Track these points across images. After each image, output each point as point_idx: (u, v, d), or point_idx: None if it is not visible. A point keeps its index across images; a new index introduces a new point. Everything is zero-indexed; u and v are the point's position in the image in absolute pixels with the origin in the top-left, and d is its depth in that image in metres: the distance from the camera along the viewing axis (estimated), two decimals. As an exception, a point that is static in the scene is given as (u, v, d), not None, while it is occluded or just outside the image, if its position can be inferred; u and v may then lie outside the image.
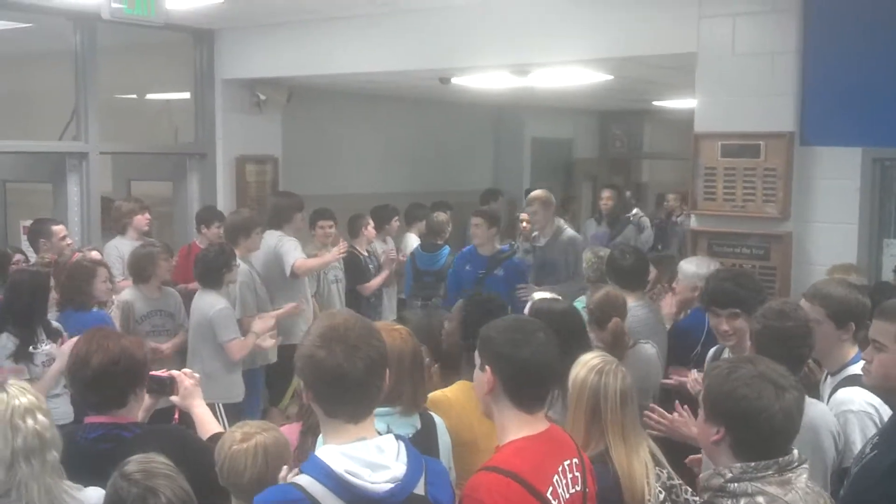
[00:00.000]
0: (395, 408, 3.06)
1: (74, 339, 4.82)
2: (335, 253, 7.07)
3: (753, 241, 5.69)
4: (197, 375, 3.51)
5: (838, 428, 3.34)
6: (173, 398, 3.41)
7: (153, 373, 3.36)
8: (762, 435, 2.39)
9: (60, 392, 4.99)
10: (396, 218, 8.66)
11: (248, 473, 2.81)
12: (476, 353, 2.71)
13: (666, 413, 3.61)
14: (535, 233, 7.55)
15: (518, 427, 2.59)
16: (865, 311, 3.61)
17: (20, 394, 2.68)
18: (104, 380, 3.08)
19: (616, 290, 4.72)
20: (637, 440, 3.13)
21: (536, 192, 7.53)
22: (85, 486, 2.77)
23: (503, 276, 7.09)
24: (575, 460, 2.67)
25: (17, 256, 6.36)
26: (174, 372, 3.46)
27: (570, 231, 7.38)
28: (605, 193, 9.91)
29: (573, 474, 2.63)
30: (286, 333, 6.48)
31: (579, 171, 13.65)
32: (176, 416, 3.56)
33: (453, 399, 3.46)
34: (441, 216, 8.25)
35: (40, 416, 2.66)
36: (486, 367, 2.62)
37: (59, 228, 6.53)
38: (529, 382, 2.61)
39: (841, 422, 3.36)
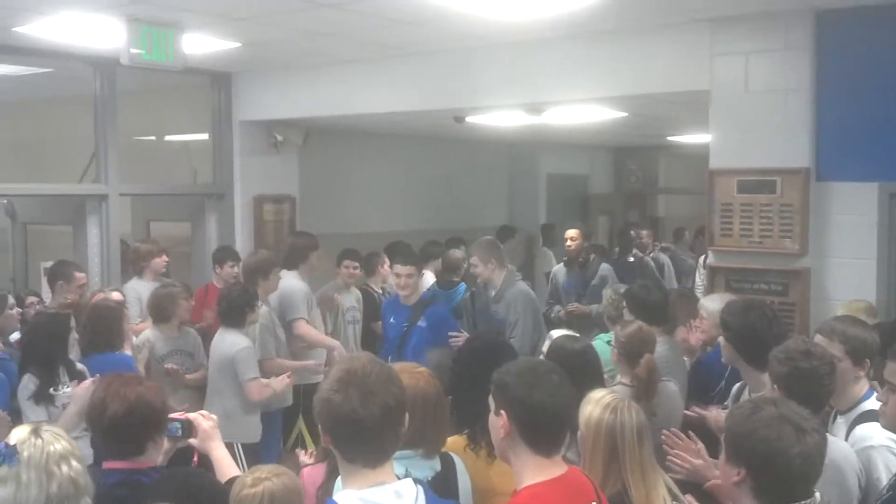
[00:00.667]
0: (416, 451, 3.03)
1: (88, 381, 4.87)
2: (333, 349, 6.74)
3: (772, 277, 5.67)
4: (215, 417, 3.49)
5: (860, 466, 3.31)
6: (192, 441, 3.40)
7: (170, 415, 3.35)
8: (781, 477, 2.37)
9: (80, 434, 5.00)
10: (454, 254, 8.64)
11: None
12: (490, 398, 2.69)
13: (690, 459, 3.55)
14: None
15: (535, 471, 2.57)
16: (877, 349, 3.60)
17: (55, 440, 2.68)
18: (121, 428, 3.08)
19: (646, 326, 4.68)
20: (655, 476, 3.10)
21: (477, 242, 6.75)
22: None
23: (426, 327, 6.37)
24: (594, 503, 2.65)
25: (31, 298, 6.41)
26: (190, 415, 3.44)
27: (516, 287, 6.49)
28: (571, 233, 8.49)
29: None
30: (298, 374, 6.49)
31: (595, 207, 13.67)
32: (195, 458, 3.54)
33: (460, 443, 3.40)
34: (457, 253, 8.26)
35: (74, 463, 2.65)
36: (502, 412, 2.60)
37: (80, 276, 6.57)
38: (546, 426, 2.59)
39: (863, 459, 3.33)
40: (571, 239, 8.43)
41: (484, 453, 3.23)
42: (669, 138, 11.73)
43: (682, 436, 3.58)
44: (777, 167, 5.62)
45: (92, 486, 2.73)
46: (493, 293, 6.49)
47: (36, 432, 2.67)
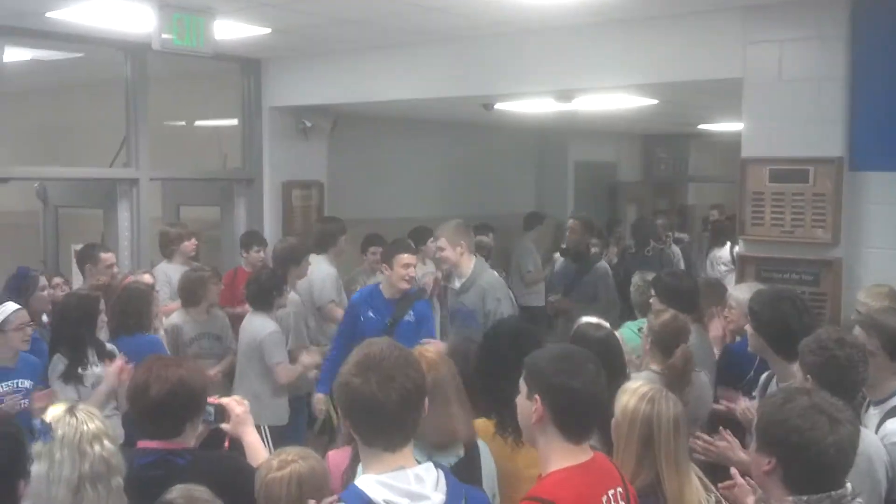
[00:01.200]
0: (433, 443, 3.00)
1: (118, 361, 4.92)
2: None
3: (803, 266, 5.62)
4: (247, 403, 3.52)
5: (889, 458, 3.29)
6: (224, 426, 3.41)
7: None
8: (813, 467, 2.36)
9: (110, 413, 5.05)
10: (432, 239, 8.65)
11: (283, 502, 2.82)
12: (522, 382, 2.69)
13: (714, 440, 3.56)
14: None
15: (563, 457, 2.58)
16: None
17: (88, 419, 2.72)
18: (162, 410, 3.10)
19: (681, 315, 4.65)
20: (687, 468, 3.09)
21: (445, 224, 6.05)
22: None
23: (415, 322, 5.91)
24: (619, 489, 2.64)
25: (56, 280, 6.46)
26: (224, 399, 3.46)
27: (490, 274, 5.94)
28: (570, 223, 8.45)
29: (619, 503, 2.61)
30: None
31: (623, 195, 13.59)
32: (227, 442, 3.56)
33: (486, 427, 3.39)
34: (484, 239, 8.26)
35: (107, 443, 2.69)
36: (536, 397, 2.60)
37: (107, 256, 6.61)
38: (580, 413, 2.60)
39: (892, 453, 3.31)
40: (571, 230, 8.38)
41: (511, 439, 3.23)
42: (700, 126, 11.63)
43: (713, 440, 3.55)
44: (810, 156, 5.56)
45: (124, 466, 2.76)
46: (457, 284, 5.81)
47: (71, 411, 2.70)
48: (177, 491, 2.52)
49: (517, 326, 4.09)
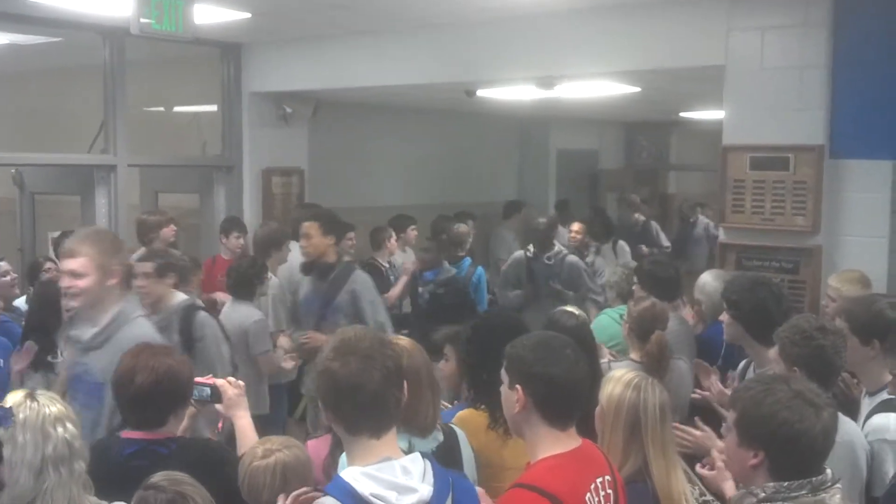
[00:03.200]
0: (413, 430, 3.00)
1: None
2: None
3: (783, 254, 5.64)
4: (242, 384, 3.49)
5: (868, 448, 3.30)
6: (217, 407, 3.40)
7: (197, 379, 3.35)
8: (804, 457, 2.35)
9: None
10: (413, 227, 8.65)
11: (266, 491, 2.81)
12: (503, 371, 2.68)
13: (690, 430, 3.56)
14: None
15: (551, 444, 2.58)
16: (890, 328, 3.57)
17: (49, 403, 2.69)
18: (146, 399, 3.08)
19: (659, 302, 4.66)
20: (674, 456, 3.11)
21: (321, 209, 6.07)
22: (112, 502, 2.76)
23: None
24: (607, 477, 2.64)
25: (49, 264, 6.39)
26: (218, 380, 3.45)
27: (359, 274, 5.83)
28: (576, 227, 8.62)
29: (605, 491, 2.60)
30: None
31: (605, 183, 13.60)
32: (220, 425, 3.54)
33: (481, 420, 3.40)
34: (462, 227, 8.23)
35: (69, 426, 2.66)
36: (517, 387, 2.59)
37: None
38: (563, 400, 2.59)
39: (876, 449, 3.32)
40: (576, 232, 8.62)
41: (502, 431, 3.21)
42: (682, 114, 11.65)
43: (692, 430, 3.55)
44: (791, 144, 5.57)
45: (87, 452, 2.72)
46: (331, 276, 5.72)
47: (31, 396, 2.68)
48: (160, 475, 2.50)
49: (506, 319, 4.07)
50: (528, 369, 2.59)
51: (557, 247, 7.54)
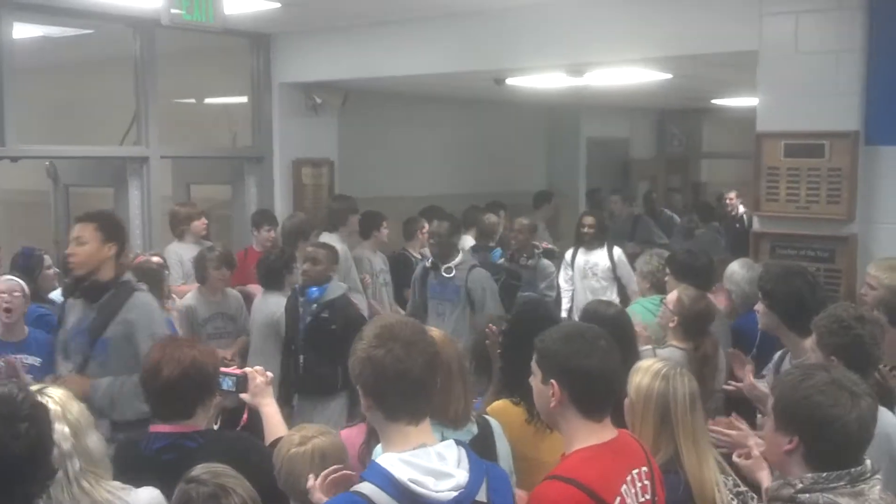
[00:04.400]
0: (445, 422, 2.99)
1: None
2: None
3: (818, 243, 5.56)
4: (270, 374, 3.51)
5: None
6: (243, 396, 3.41)
7: (224, 369, 3.36)
8: (837, 443, 2.32)
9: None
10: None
11: (305, 478, 2.81)
12: (534, 365, 2.66)
13: (726, 430, 3.49)
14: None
15: (586, 436, 2.56)
16: None
17: (52, 401, 2.64)
18: (174, 392, 3.09)
19: (707, 296, 4.63)
20: (706, 446, 3.07)
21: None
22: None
23: None
24: (644, 468, 2.62)
25: None
26: (247, 369, 3.47)
27: (141, 298, 4.57)
28: (588, 220, 8.00)
29: (643, 483, 2.58)
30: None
31: (636, 172, 13.50)
32: (245, 416, 3.56)
33: (517, 412, 3.38)
34: (492, 218, 8.21)
35: (63, 427, 2.59)
36: (552, 382, 2.57)
37: None
38: (598, 392, 2.57)
39: None
40: (589, 226, 8.06)
41: (539, 425, 3.18)
42: (714, 101, 11.53)
43: (725, 430, 3.50)
44: (826, 130, 5.49)
45: (97, 447, 2.71)
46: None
47: (40, 392, 2.65)
48: (200, 468, 2.50)
49: (541, 312, 4.05)
50: (563, 363, 2.56)
51: (461, 256, 6.64)
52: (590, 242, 7.80)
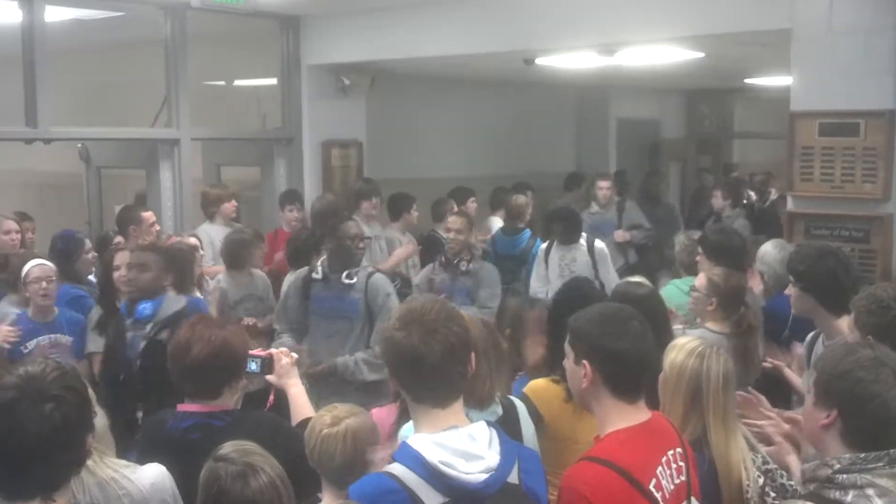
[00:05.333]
0: (471, 403, 2.99)
1: None
2: None
3: (853, 223, 5.50)
4: (295, 355, 3.52)
5: None
6: (269, 378, 3.43)
7: (251, 352, 3.38)
8: (876, 421, 2.29)
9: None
10: (473, 199, 8.63)
11: (338, 457, 2.83)
12: (567, 346, 2.65)
13: (756, 422, 3.45)
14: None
15: (619, 417, 2.54)
16: None
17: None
18: (202, 371, 3.10)
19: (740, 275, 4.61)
20: (735, 425, 3.05)
21: None
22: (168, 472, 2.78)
23: None
24: (678, 450, 2.60)
25: (119, 238, 6.51)
26: (273, 350, 3.48)
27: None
28: (604, 184, 8.84)
29: (677, 464, 2.57)
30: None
31: (666, 152, 13.37)
32: (271, 397, 3.59)
33: (557, 391, 3.38)
34: (521, 199, 8.17)
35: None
36: (584, 362, 2.55)
37: (147, 215, 6.64)
38: (631, 373, 2.56)
39: None
40: (607, 188, 8.56)
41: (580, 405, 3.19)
42: (746, 81, 11.39)
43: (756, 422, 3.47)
44: (860, 109, 5.42)
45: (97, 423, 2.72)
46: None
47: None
48: (229, 447, 2.51)
49: (584, 290, 4.03)
50: (595, 343, 2.55)
51: (364, 265, 5.72)
52: (561, 237, 7.11)
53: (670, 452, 2.57)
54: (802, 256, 4.17)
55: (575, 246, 7.05)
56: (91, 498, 2.56)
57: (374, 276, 5.46)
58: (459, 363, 2.32)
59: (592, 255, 6.97)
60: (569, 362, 2.64)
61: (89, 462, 2.56)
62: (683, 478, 2.58)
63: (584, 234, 7.21)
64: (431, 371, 2.28)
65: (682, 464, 2.59)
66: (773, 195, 10.59)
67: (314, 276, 5.48)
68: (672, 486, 2.52)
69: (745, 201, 10.52)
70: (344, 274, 5.37)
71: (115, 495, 2.62)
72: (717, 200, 9.20)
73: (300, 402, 3.41)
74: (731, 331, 4.35)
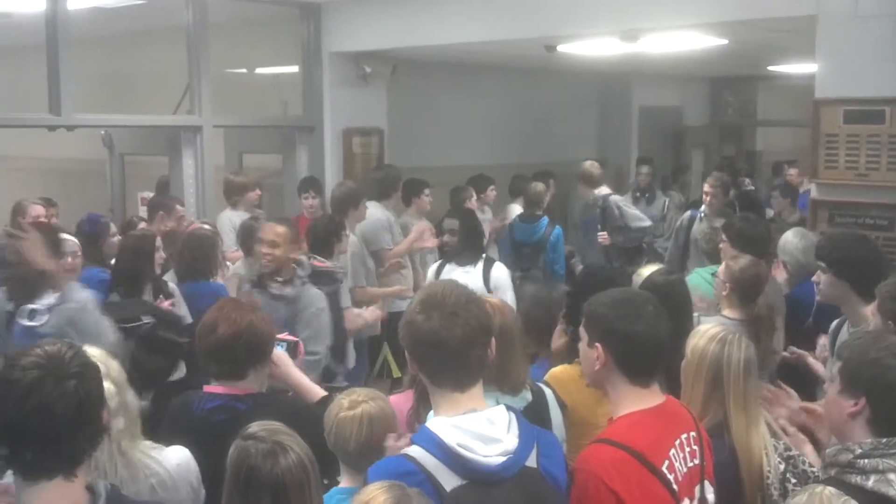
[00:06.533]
0: (501, 388, 2.98)
1: (166, 302, 4.98)
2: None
3: (877, 210, 5.44)
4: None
5: None
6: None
7: (279, 336, 3.41)
8: None
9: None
10: (493, 187, 8.63)
11: (353, 440, 2.85)
12: (582, 329, 2.65)
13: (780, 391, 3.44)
14: None
15: (633, 401, 2.55)
16: None
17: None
18: (226, 351, 3.13)
19: (760, 261, 4.57)
20: (756, 412, 3.04)
21: None
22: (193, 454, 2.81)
23: None
24: (693, 433, 2.61)
25: (143, 225, 6.55)
26: (290, 338, 3.55)
27: None
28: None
29: (691, 448, 2.57)
30: (382, 302, 6.63)
31: (689, 140, 13.30)
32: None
33: (577, 376, 3.36)
34: (539, 186, 8.16)
35: (108, 384, 2.59)
36: (597, 345, 2.56)
37: (181, 209, 6.72)
38: (644, 357, 2.56)
39: None
40: (647, 174, 8.58)
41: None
42: (770, 68, 11.29)
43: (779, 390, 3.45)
44: (886, 96, 5.36)
45: (132, 404, 2.77)
46: None
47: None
48: (257, 426, 2.52)
49: (604, 275, 4.03)
50: (608, 326, 2.56)
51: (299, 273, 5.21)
52: (455, 255, 5.92)
53: (684, 436, 2.57)
54: (836, 243, 4.12)
55: (471, 269, 5.78)
56: (119, 478, 2.59)
57: (305, 286, 5.15)
58: (479, 347, 2.33)
59: (487, 282, 5.71)
60: (583, 345, 2.65)
61: (123, 442, 2.61)
62: (697, 461, 2.58)
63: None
64: (452, 355, 2.29)
65: (695, 447, 2.59)
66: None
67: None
68: (685, 469, 2.52)
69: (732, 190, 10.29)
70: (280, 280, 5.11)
71: (142, 476, 2.66)
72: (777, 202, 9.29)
73: (305, 386, 3.46)
74: (745, 317, 4.32)
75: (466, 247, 5.83)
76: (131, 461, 2.66)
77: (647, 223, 7.99)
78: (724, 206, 6.78)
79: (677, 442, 2.53)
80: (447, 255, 6.00)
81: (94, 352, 2.65)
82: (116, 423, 2.62)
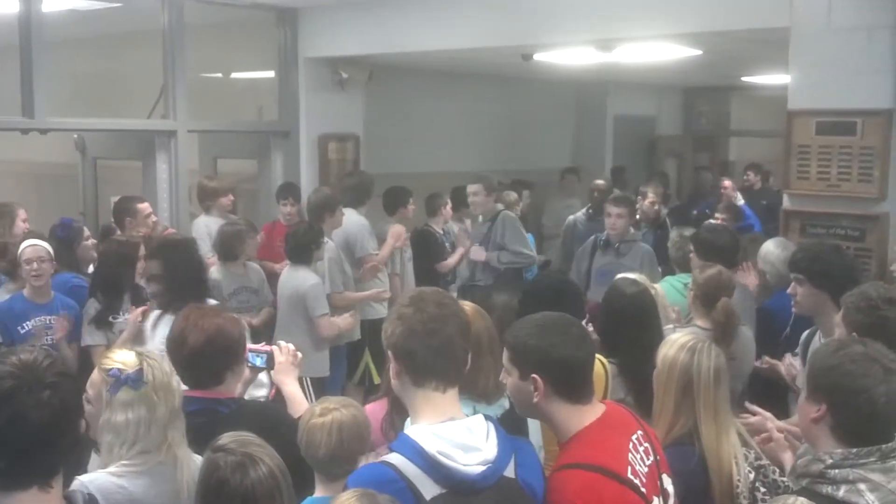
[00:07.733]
0: (476, 396, 3.00)
1: (140, 309, 4.95)
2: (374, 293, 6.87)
3: (848, 221, 5.50)
4: (300, 354, 3.54)
5: None
6: (273, 372, 3.46)
7: (252, 347, 3.39)
8: (863, 415, 2.31)
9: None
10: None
11: (323, 448, 2.83)
12: (508, 364, 2.57)
13: (746, 418, 3.45)
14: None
15: (579, 418, 2.51)
16: None
17: (156, 358, 2.78)
18: (200, 359, 3.12)
19: (726, 270, 4.60)
20: (727, 420, 3.06)
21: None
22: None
23: None
24: (640, 432, 2.60)
25: (118, 233, 6.49)
26: (274, 346, 3.50)
27: None
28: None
29: (644, 446, 2.56)
30: (363, 309, 6.59)
31: (663, 149, 13.40)
32: (272, 391, 3.59)
33: None
34: (511, 195, 8.19)
35: (177, 379, 2.78)
36: (533, 376, 2.49)
37: (143, 206, 6.60)
38: (583, 377, 2.55)
39: None
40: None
41: None
42: (743, 78, 11.40)
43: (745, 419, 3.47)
44: (858, 108, 5.41)
45: None
46: None
47: (142, 355, 2.73)
48: (227, 437, 2.52)
49: (554, 283, 4.04)
50: (541, 357, 2.49)
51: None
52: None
53: (634, 437, 2.55)
54: (815, 254, 4.16)
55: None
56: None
57: None
58: (466, 339, 2.39)
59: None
60: (513, 380, 2.56)
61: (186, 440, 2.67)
62: (652, 457, 2.57)
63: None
64: (447, 342, 2.32)
65: (646, 444, 2.58)
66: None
67: None
68: (645, 469, 2.51)
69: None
70: None
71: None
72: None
73: (295, 400, 3.43)
74: (713, 326, 4.35)
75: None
76: (191, 459, 2.72)
77: (528, 254, 7.27)
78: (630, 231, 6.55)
79: (630, 445, 2.52)
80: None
81: (153, 355, 2.76)
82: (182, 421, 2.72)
